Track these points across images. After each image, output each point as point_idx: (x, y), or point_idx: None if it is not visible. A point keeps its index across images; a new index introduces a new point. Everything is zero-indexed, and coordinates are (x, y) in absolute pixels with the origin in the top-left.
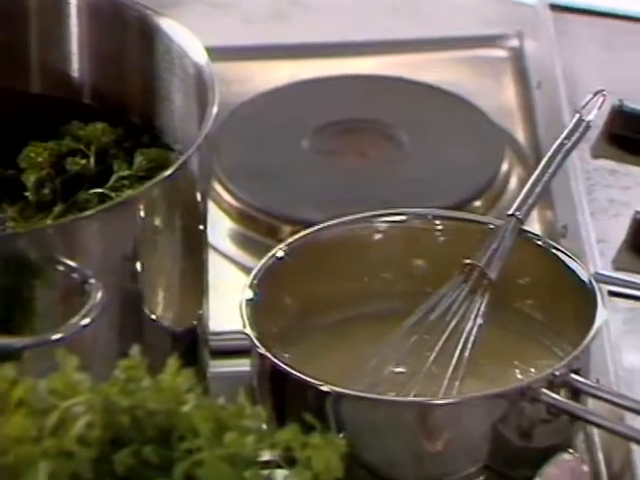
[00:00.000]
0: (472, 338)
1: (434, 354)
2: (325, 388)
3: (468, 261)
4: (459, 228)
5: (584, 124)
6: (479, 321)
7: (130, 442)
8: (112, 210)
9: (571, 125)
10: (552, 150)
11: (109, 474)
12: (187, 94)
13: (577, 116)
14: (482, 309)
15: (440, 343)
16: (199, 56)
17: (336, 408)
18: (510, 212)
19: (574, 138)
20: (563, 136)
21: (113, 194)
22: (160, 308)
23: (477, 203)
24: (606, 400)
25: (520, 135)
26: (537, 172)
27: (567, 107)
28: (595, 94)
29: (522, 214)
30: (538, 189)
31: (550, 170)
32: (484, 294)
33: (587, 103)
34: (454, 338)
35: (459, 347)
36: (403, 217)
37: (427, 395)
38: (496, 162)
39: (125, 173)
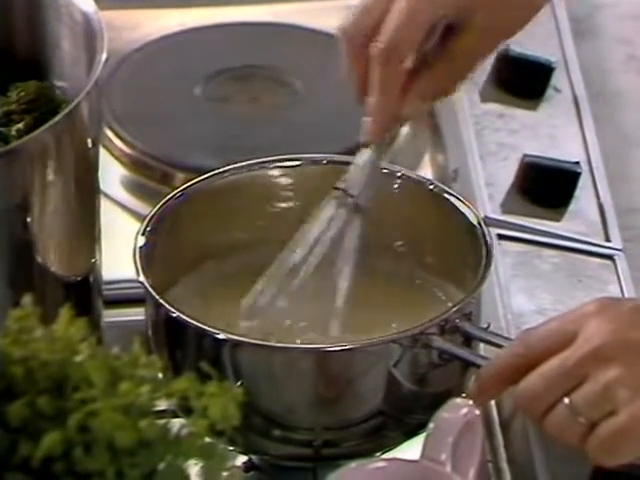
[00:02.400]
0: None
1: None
2: (221, 336)
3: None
4: None
5: None
6: (355, 243)
7: (23, 393)
8: (1, 158)
9: None
10: None
11: (2, 426)
12: (75, 42)
13: None
14: (356, 236)
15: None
16: (86, 4)
17: (232, 356)
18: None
19: None
20: None
21: (3, 129)
22: (52, 257)
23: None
24: (495, 344)
25: None
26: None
27: None
28: None
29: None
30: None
31: None
32: (353, 219)
33: None
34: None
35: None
36: (298, 162)
37: (318, 339)
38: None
39: (12, 107)
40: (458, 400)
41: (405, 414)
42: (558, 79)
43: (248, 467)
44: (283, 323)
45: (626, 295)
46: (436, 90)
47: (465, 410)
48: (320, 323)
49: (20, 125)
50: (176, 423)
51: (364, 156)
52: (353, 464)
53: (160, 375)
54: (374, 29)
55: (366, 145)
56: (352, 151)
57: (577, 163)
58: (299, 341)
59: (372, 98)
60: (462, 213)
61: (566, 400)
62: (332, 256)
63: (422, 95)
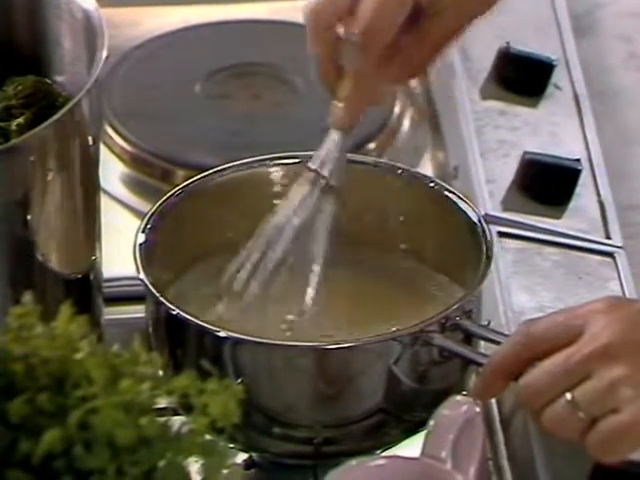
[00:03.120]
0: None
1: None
2: (222, 334)
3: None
4: (353, 170)
5: None
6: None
7: (24, 390)
8: (1, 155)
9: None
10: None
11: (2, 423)
12: (76, 39)
13: None
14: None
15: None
16: (87, 1)
17: (233, 354)
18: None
19: None
20: None
21: (3, 124)
22: (52, 255)
23: (371, 145)
24: (496, 342)
25: None
26: None
27: (456, 52)
28: None
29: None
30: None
31: None
32: (326, 199)
33: None
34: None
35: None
36: (298, 160)
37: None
38: (388, 105)
39: (12, 102)
40: (458, 397)
41: (405, 412)
42: (559, 76)
43: (248, 465)
44: (259, 305)
45: (627, 293)
46: (408, 73)
47: (465, 407)
48: (295, 305)
49: (20, 119)
50: (176, 421)
51: (334, 137)
52: (353, 462)
53: (160, 373)
54: (347, 11)
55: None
56: (352, 148)
57: (578, 160)
58: (275, 324)
59: (346, 83)
60: (462, 210)
61: (568, 395)
62: (305, 237)
63: (394, 79)
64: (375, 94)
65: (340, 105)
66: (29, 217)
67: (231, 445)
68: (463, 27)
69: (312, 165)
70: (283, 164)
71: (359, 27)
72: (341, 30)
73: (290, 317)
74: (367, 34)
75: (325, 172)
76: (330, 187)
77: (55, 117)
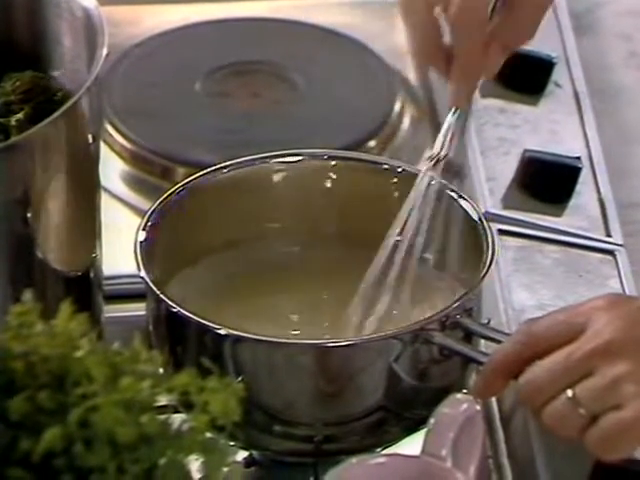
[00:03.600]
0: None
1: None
2: (222, 331)
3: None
4: (354, 168)
5: None
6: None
7: (24, 388)
8: (1, 152)
9: None
10: None
11: (3, 421)
12: (76, 37)
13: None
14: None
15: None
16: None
17: (233, 351)
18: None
19: None
20: None
21: (2, 120)
22: (52, 252)
23: (371, 143)
24: (496, 340)
25: (412, 76)
26: None
27: None
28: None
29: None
30: None
31: None
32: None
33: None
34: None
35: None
36: (298, 158)
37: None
38: (389, 103)
39: (11, 98)
40: (459, 396)
41: (406, 410)
42: (559, 74)
43: (249, 462)
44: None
45: (627, 290)
46: (517, 37)
47: (466, 406)
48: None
49: (20, 115)
50: (177, 418)
51: (452, 120)
52: (354, 460)
53: (161, 370)
54: None
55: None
56: (352, 146)
57: (578, 158)
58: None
59: (456, 63)
60: (463, 208)
61: (569, 392)
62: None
63: (504, 45)
64: (484, 69)
65: (453, 86)
66: (29, 215)
67: (231, 443)
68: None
69: (431, 154)
70: (283, 162)
71: (453, 9)
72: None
73: (293, 316)
74: (462, 14)
75: (445, 153)
76: (456, 171)
77: (55, 115)
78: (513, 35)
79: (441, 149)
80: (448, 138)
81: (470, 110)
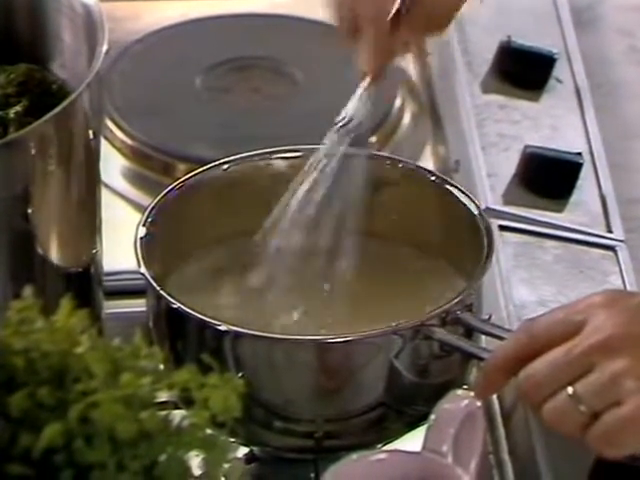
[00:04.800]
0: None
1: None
2: (223, 327)
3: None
4: (354, 163)
5: None
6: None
7: (24, 384)
8: (1, 148)
9: None
10: None
11: (3, 417)
12: (76, 33)
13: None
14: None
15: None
16: None
17: (234, 347)
18: None
19: None
20: None
21: (1, 112)
22: (53, 248)
23: (372, 139)
24: (496, 336)
25: (412, 71)
26: None
27: (457, 44)
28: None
29: None
30: None
31: None
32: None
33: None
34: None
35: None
36: (299, 154)
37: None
38: (389, 98)
39: (8, 91)
40: (459, 391)
41: (406, 406)
42: (560, 70)
43: (249, 459)
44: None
45: (628, 286)
46: (427, 25)
47: (466, 401)
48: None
49: (18, 107)
50: (177, 415)
51: (361, 90)
52: (354, 456)
53: (161, 366)
54: None
55: (364, 78)
56: (353, 142)
57: (579, 154)
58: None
59: (364, 33)
60: (463, 204)
61: (569, 389)
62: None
63: (412, 28)
64: (394, 44)
65: (362, 55)
66: (29, 211)
67: (232, 439)
68: None
69: (340, 119)
70: (284, 157)
71: None
72: None
73: (293, 310)
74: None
75: (354, 122)
76: (358, 136)
77: (55, 111)
78: (419, 23)
79: (349, 114)
80: (356, 104)
81: (381, 80)
